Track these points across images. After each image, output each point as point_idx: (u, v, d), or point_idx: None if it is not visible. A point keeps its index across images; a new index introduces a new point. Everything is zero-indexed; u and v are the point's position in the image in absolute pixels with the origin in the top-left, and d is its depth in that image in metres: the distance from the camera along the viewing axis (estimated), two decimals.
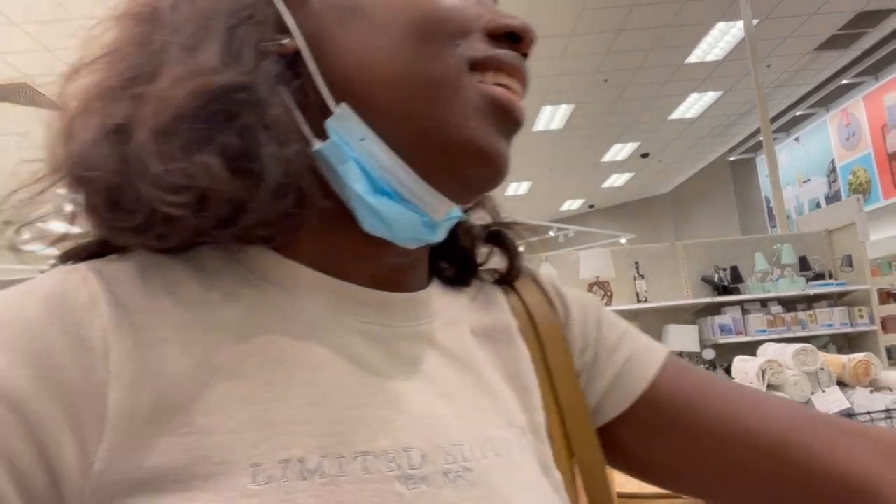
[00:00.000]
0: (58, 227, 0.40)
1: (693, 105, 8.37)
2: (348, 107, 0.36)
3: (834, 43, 6.88)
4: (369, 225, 0.36)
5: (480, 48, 0.38)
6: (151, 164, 0.32)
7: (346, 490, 0.32)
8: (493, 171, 0.38)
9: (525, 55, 0.40)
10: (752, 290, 4.51)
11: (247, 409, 0.32)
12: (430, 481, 0.34)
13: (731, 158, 10.38)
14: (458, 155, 0.37)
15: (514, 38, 0.39)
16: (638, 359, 0.48)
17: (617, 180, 11.63)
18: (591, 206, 13.35)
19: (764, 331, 4.34)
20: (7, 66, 5.92)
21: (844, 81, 7.46)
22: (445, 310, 0.43)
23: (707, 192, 11.37)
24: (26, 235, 0.39)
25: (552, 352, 0.47)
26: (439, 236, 0.40)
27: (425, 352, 0.40)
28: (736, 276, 4.63)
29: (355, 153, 0.35)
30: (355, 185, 0.35)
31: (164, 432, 0.30)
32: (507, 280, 0.50)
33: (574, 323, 0.49)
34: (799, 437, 0.44)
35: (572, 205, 13.10)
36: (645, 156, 10.39)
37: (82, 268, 0.34)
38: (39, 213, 0.39)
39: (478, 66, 0.37)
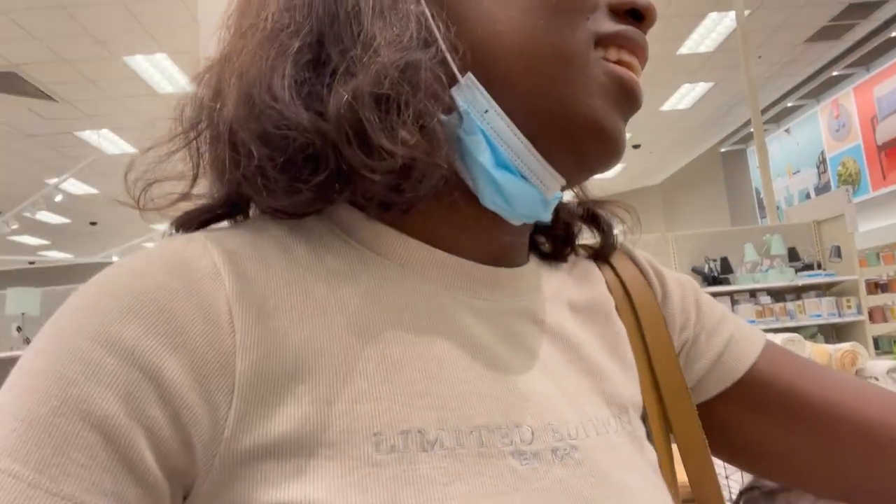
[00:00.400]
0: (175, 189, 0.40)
1: (685, 96, 8.38)
2: (473, 77, 0.35)
3: (825, 34, 6.90)
4: (490, 200, 0.36)
5: (607, 24, 0.37)
6: (371, 131, 0.32)
7: (465, 462, 0.32)
8: (612, 151, 0.38)
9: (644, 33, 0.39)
10: (741, 281, 4.54)
11: (366, 380, 0.32)
12: (541, 458, 0.34)
13: (722, 150, 10.42)
14: (581, 133, 0.36)
15: (637, 16, 0.38)
16: (740, 339, 0.48)
17: (608, 171, 11.62)
18: None
19: (753, 321, 4.37)
20: None
21: (835, 73, 7.49)
22: (546, 285, 0.43)
23: (698, 183, 11.41)
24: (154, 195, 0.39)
25: (650, 328, 0.46)
26: (550, 214, 0.39)
27: (529, 328, 0.40)
28: (726, 267, 4.66)
29: (481, 125, 0.35)
30: (481, 158, 0.34)
31: (288, 401, 0.31)
32: (602, 256, 0.50)
33: (672, 300, 0.49)
34: None
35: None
36: (636, 147, 10.40)
37: (201, 237, 0.34)
38: (167, 174, 0.39)
39: (603, 41, 0.37)
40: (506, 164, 0.35)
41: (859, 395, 0.45)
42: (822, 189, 8.07)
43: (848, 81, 7.54)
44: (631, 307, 0.47)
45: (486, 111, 0.35)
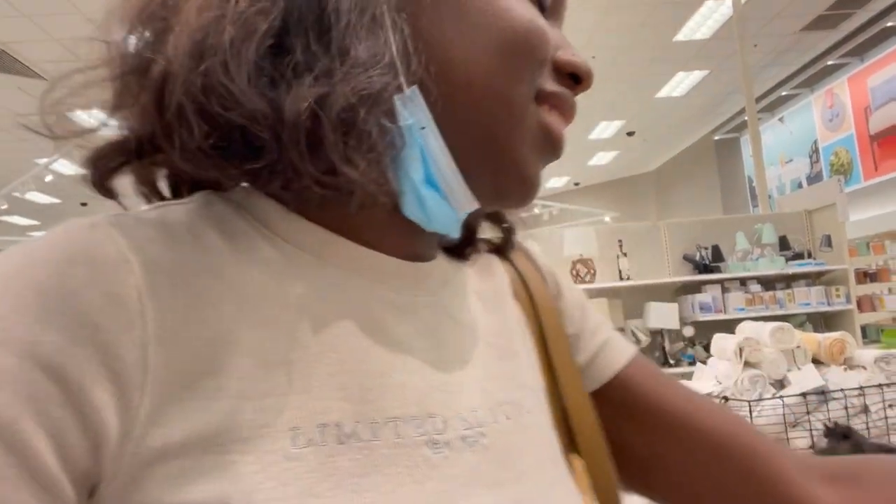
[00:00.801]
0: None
1: (680, 84, 8.37)
2: (418, 92, 0.35)
3: (820, 23, 6.89)
4: (411, 211, 0.36)
5: (549, 83, 0.39)
6: (329, 148, 0.32)
7: (381, 454, 0.33)
8: (528, 194, 0.40)
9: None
10: (732, 269, 4.57)
11: (282, 374, 0.32)
12: (452, 446, 0.36)
13: (716, 138, 10.43)
14: (505, 174, 0.39)
15: (576, 79, 0.40)
16: (614, 345, 0.52)
17: (602, 158, 11.65)
18: (576, 184, 13.37)
19: (742, 309, 4.40)
20: None
21: (830, 62, 7.49)
22: (454, 278, 0.45)
23: (691, 171, 11.44)
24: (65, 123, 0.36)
25: (546, 318, 0.49)
26: (460, 231, 0.41)
27: (443, 320, 0.41)
28: (717, 255, 4.68)
29: (420, 141, 0.35)
30: (412, 173, 0.35)
31: (202, 396, 0.30)
32: (503, 251, 0.52)
33: (564, 297, 0.53)
34: (744, 440, 0.49)
35: (557, 182, 13.12)
36: (631, 134, 10.40)
37: (104, 222, 0.32)
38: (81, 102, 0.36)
39: (542, 98, 0.39)
40: (433, 183, 0.36)
41: (708, 408, 0.51)
42: (814, 178, 8.10)
43: (842, 71, 7.55)
44: (529, 298, 0.50)
45: (423, 128, 0.35)
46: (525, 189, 0.40)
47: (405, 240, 0.40)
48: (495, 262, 0.51)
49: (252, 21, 0.32)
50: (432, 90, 0.35)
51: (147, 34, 0.34)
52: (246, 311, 0.33)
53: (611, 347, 0.51)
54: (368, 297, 0.37)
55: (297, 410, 0.31)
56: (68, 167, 9.28)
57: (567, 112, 0.40)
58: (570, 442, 0.47)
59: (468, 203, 0.38)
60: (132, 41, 0.34)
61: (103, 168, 0.37)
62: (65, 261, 0.29)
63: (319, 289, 0.36)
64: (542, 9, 0.39)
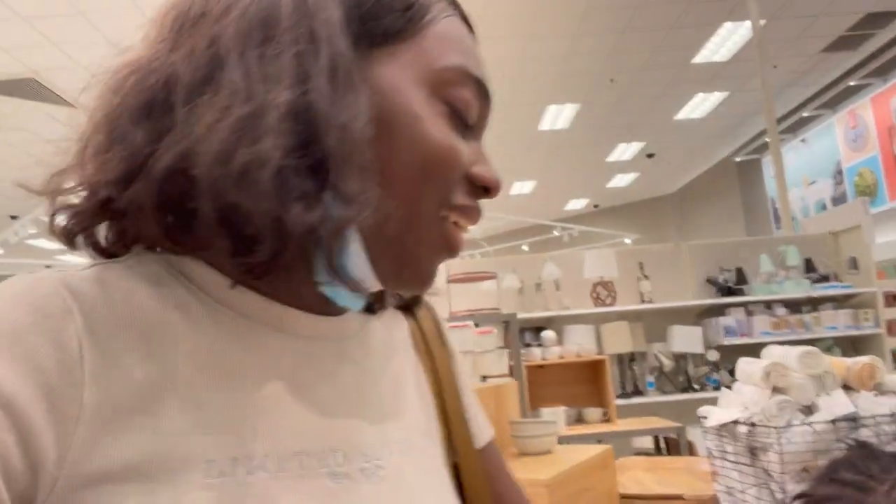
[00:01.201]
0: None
1: (699, 105, 8.35)
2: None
3: (842, 44, 6.84)
4: (323, 286, 0.41)
5: (461, 196, 0.44)
6: (248, 219, 0.37)
7: (285, 484, 0.37)
8: (425, 286, 0.46)
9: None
10: (756, 292, 4.50)
11: (202, 414, 0.37)
12: (352, 478, 0.41)
13: (738, 159, 10.35)
14: (405, 268, 0.44)
15: (486, 189, 0.46)
16: (482, 421, 0.59)
17: (622, 180, 11.61)
18: (595, 206, 13.33)
19: (768, 333, 4.33)
20: (14, 61, 5.94)
21: (852, 83, 7.42)
22: (360, 329, 0.50)
23: (712, 192, 11.34)
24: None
25: (443, 373, 0.56)
26: (362, 306, 0.47)
27: (345, 366, 0.46)
28: (741, 278, 4.62)
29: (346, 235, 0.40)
30: (327, 255, 0.39)
31: (129, 431, 0.34)
32: (408, 307, 0.58)
33: (455, 360, 0.59)
34: None
35: (577, 204, 13.09)
36: (650, 156, 10.36)
37: (52, 276, 0.37)
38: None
39: (453, 208, 0.44)
40: (344, 267, 0.40)
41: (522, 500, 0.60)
42: (838, 200, 7.99)
43: (865, 92, 7.47)
44: (428, 353, 0.56)
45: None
46: (422, 281, 0.45)
47: (317, 299, 0.43)
48: (400, 317, 0.56)
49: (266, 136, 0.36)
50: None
51: (146, 130, 0.38)
52: (172, 361, 0.37)
53: (481, 422, 0.58)
54: (280, 347, 0.42)
55: (215, 447, 0.36)
56: None
57: (473, 217, 0.46)
58: (459, 486, 0.52)
59: (372, 285, 0.43)
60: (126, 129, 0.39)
61: (78, 226, 0.42)
62: (18, 310, 0.34)
63: (239, 339, 0.40)
64: (466, 125, 0.44)
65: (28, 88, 6.37)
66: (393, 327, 0.54)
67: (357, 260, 0.41)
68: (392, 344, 0.53)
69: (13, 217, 11.46)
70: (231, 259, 0.38)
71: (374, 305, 0.52)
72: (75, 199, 0.42)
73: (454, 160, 0.42)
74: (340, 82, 0.38)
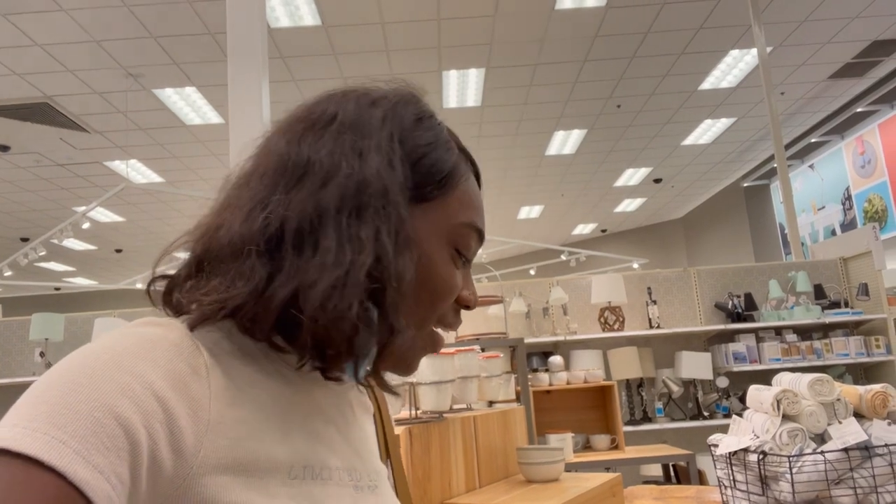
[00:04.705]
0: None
1: (706, 131, 8.38)
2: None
3: (848, 71, 6.88)
4: (346, 372, 0.56)
5: (451, 316, 0.60)
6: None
7: (333, 489, 0.54)
8: (409, 373, 0.61)
9: None
10: (766, 318, 4.46)
11: (286, 437, 0.52)
12: (362, 489, 0.57)
13: (745, 184, 10.35)
14: (399, 366, 0.60)
15: (467, 307, 0.61)
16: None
17: (629, 205, 11.62)
18: (603, 231, 13.32)
19: (778, 359, 4.29)
20: (29, 87, 6.04)
21: (859, 109, 7.44)
22: (350, 390, 0.66)
23: (720, 217, 11.32)
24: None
25: (389, 432, 0.83)
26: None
27: (347, 410, 0.63)
28: (750, 304, 4.58)
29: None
30: (353, 354, 0.52)
31: (239, 437, 0.48)
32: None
33: (391, 425, 0.83)
34: None
35: (584, 229, 13.08)
36: (658, 181, 10.37)
37: (179, 327, 0.50)
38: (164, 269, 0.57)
39: (439, 321, 0.59)
40: (362, 369, 0.56)
41: None
42: (847, 226, 7.95)
43: (873, 118, 7.48)
44: (380, 412, 0.79)
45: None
46: (409, 372, 0.61)
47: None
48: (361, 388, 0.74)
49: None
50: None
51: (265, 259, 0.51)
52: (265, 404, 0.52)
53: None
54: (322, 395, 0.59)
55: (292, 457, 0.52)
56: (105, 215, 9.53)
57: (454, 328, 0.61)
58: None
59: (367, 371, 0.58)
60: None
61: (201, 319, 0.52)
62: (167, 344, 0.47)
63: (302, 392, 0.57)
64: (466, 259, 0.60)
65: (42, 113, 6.46)
66: (360, 393, 0.71)
67: (369, 364, 0.56)
68: (360, 403, 0.69)
69: (24, 239, 11.59)
70: (309, 356, 0.52)
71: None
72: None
73: (454, 292, 0.58)
74: (401, 243, 0.52)
